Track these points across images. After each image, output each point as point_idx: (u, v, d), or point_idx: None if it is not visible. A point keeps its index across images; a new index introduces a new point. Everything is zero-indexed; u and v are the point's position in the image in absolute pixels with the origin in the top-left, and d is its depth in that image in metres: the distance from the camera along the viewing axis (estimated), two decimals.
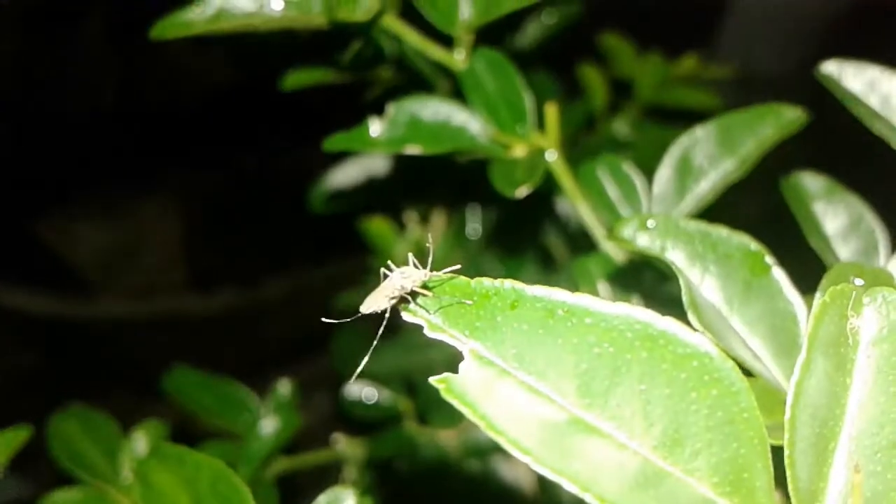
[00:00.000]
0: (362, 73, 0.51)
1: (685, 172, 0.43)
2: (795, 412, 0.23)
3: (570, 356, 0.23)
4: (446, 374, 0.23)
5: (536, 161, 0.42)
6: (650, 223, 0.34)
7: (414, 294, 0.26)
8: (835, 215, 0.44)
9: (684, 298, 0.31)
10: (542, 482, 0.57)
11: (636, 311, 0.23)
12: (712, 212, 0.42)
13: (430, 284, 0.26)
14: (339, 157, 0.64)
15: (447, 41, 0.45)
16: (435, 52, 0.45)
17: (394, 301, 0.27)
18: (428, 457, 0.60)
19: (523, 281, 0.25)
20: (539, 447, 0.22)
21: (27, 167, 1.31)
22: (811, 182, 0.44)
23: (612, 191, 0.44)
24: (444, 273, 0.26)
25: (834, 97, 0.43)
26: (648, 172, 0.45)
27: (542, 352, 0.24)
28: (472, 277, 0.25)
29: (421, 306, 0.25)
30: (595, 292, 0.45)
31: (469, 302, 0.24)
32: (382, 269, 0.28)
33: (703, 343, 0.23)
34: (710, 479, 0.23)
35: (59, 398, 0.57)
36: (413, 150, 0.41)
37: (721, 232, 0.33)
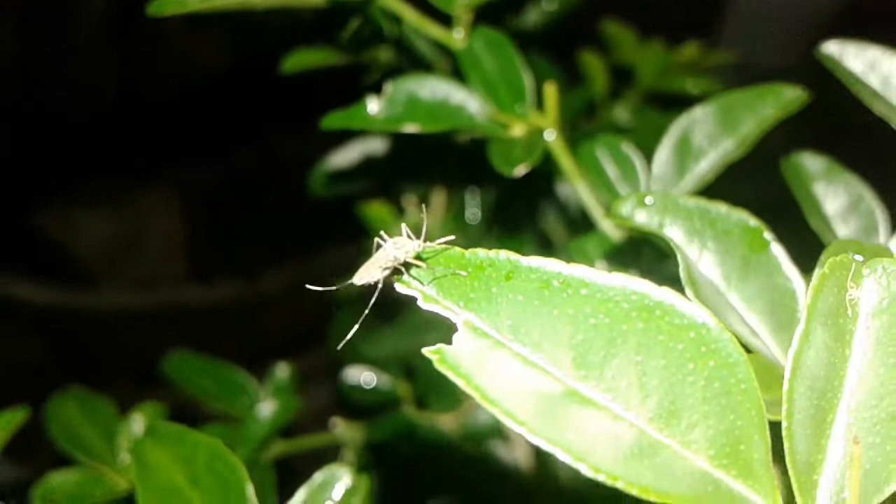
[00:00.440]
0: (361, 52, 0.51)
1: (685, 152, 0.42)
2: (794, 384, 0.23)
3: (566, 327, 0.23)
4: (440, 346, 0.23)
5: (535, 140, 0.42)
6: (648, 200, 0.34)
7: (407, 265, 0.25)
8: (835, 196, 0.44)
9: (682, 274, 0.31)
10: (540, 463, 0.56)
11: (632, 282, 0.23)
12: (714, 194, 0.42)
13: (424, 255, 0.25)
14: (339, 146, 0.63)
15: (446, 20, 0.45)
16: (433, 30, 0.45)
17: (387, 272, 0.27)
18: (426, 440, 0.60)
19: None
20: (534, 418, 0.22)
21: (30, 160, 1.31)
22: (811, 162, 0.44)
23: (611, 170, 0.44)
24: (439, 244, 0.26)
25: (835, 85, 0.43)
26: (648, 159, 0.45)
27: (538, 323, 0.23)
28: None
29: (415, 278, 0.25)
30: None
31: (463, 273, 0.24)
32: (376, 240, 0.27)
33: (699, 314, 0.22)
34: (706, 451, 0.23)
35: (60, 388, 0.57)
36: (411, 128, 0.41)
37: (720, 208, 0.33)
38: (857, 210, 0.44)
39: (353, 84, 0.57)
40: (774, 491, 0.23)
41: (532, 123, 0.43)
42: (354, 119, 0.42)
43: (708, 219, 0.32)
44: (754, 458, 0.23)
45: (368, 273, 0.27)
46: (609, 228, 0.43)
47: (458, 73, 0.46)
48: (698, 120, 0.43)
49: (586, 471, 0.21)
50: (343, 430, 0.62)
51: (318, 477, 0.38)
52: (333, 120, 0.42)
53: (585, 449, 0.22)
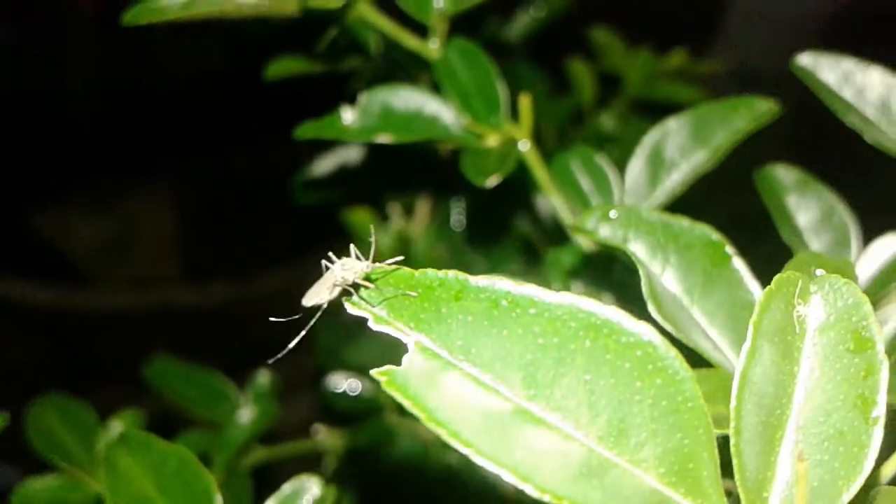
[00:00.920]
0: (339, 62, 0.51)
1: (657, 164, 0.42)
2: (741, 401, 0.23)
3: (516, 347, 0.23)
4: (388, 367, 0.23)
5: (508, 151, 0.42)
6: (612, 214, 0.34)
7: (356, 286, 0.25)
8: (807, 208, 0.44)
9: (644, 289, 0.31)
10: None
11: (579, 301, 0.23)
12: (691, 208, 0.42)
13: (374, 276, 0.25)
14: (323, 153, 0.64)
15: (422, 30, 0.45)
16: (409, 40, 0.45)
17: (336, 293, 0.27)
18: (407, 448, 0.60)
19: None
20: (482, 438, 0.22)
21: (23, 161, 1.31)
22: (784, 175, 0.44)
23: (584, 182, 0.44)
24: (387, 264, 0.26)
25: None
26: None
27: (488, 343, 0.23)
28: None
29: (364, 299, 0.25)
30: (567, 284, 0.45)
31: (413, 294, 0.24)
32: (324, 262, 0.27)
33: (646, 332, 0.23)
34: (656, 469, 0.23)
35: (51, 389, 0.57)
36: (384, 138, 0.41)
37: (682, 222, 0.33)
38: (830, 222, 0.44)
39: (346, 86, 0.57)
40: None
41: (506, 134, 0.43)
42: (328, 129, 0.42)
43: (671, 233, 0.33)
44: (703, 476, 0.23)
45: (317, 295, 0.27)
46: (583, 240, 0.43)
47: (436, 84, 0.46)
48: (671, 131, 0.43)
49: (532, 491, 0.21)
50: (325, 436, 0.62)
51: (287, 488, 0.38)
52: (307, 130, 0.42)
53: (533, 469, 0.22)
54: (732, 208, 0.51)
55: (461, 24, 0.47)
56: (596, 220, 0.34)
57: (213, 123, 1.31)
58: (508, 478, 0.21)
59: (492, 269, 0.60)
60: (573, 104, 0.77)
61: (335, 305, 0.68)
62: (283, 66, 0.54)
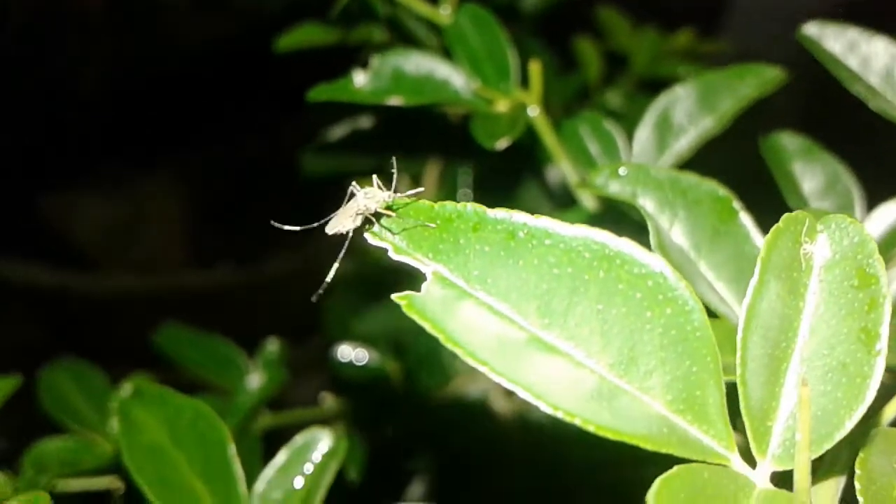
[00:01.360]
0: (352, 30, 0.51)
1: (665, 129, 0.43)
2: (747, 333, 0.24)
3: (531, 277, 0.24)
4: (408, 292, 0.24)
5: (518, 116, 0.42)
6: (622, 171, 0.34)
7: (378, 217, 0.26)
8: (812, 175, 0.45)
9: (652, 241, 0.32)
10: (525, 434, 0.57)
11: (593, 233, 0.24)
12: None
13: (395, 207, 0.26)
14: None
15: None
16: (421, 7, 0.45)
17: (358, 222, 0.27)
18: (413, 415, 0.61)
19: None
20: (497, 361, 0.23)
21: (29, 145, 1.32)
22: (790, 142, 0.45)
23: (592, 147, 0.45)
24: (409, 195, 0.27)
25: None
26: None
27: (504, 273, 0.24)
28: None
29: (385, 228, 0.25)
30: None
31: (432, 225, 0.25)
32: (350, 189, 0.28)
33: (657, 263, 0.23)
34: (664, 396, 0.23)
35: None
36: (395, 101, 0.42)
37: (690, 178, 0.33)
38: (835, 189, 0.45)
39: (357, 63, 0.58)
40: (729, 436, 0.24)
41: (516, 99, 0.44)
42: (341, 91, 0.43)
43: (679, 189, 0.33)
44: (710, 404, 0.23)
45: (340, 223, 0.28)
46: (589, 203, 0.44)
47: (448, 52, 0.47)
48: (679, 98, 0.44)
49: (545, 408, 0.22)
50: (332, 404, 0.62)
51: (299, 439, 0.39)
52: (320, 92, 0.43)
53: (546, 390, 0.23)
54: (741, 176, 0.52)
55: None
56: (605, 176, 0.35)
57: (221, 108, 1.32)
58: (522, 394, 0.22)
59: None
60: (580, 82, 0.78)
61: (344, 278, 0.69)
62: (294, 38, 0.55)
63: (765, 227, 0.35)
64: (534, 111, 0.44)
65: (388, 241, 0.25)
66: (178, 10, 1.20)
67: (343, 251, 0.29)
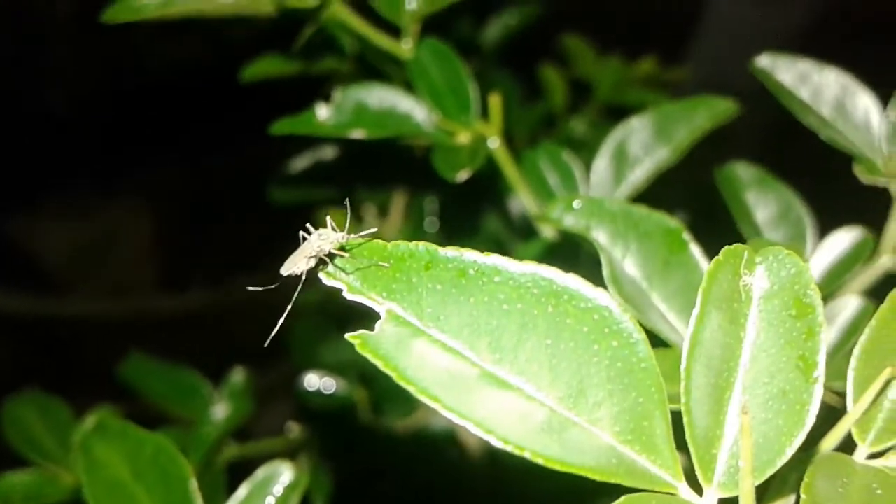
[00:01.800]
0: (315, 63, 0.52)
1: (621, 160, 0.44)
2: (691, 362, 0.24)
3: (482, 313, 0.25)
4: (362, 331, 0.24)
5: (478, 147, 0.43)
6: (576, 204, 0.35)
7: (332, 256, 0.27)
8: (766, 204, 0.46)
9: (605, 273, 0.33)
10: (493, 467, 0.58)
11: (541, 269, 0.24)
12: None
13: (348, 247, 0.27)
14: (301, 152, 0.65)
15: (395, 31, 0.47)
16: (382, 41, 0.46)
17: (312, 263, 0.28)
18: (380, 445, 0.61)
19: None
20: (449, 397, 0.23)
21: None
22: (744, 172, 0.46)
23: (551, 178, 0.46)
24: (362, 236, 0.27)
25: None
26: None
27: (456, 310, 0.25)
28: None
29: (339, 268, 0.26)
30: None
31: (386, 265, 0.25)
32: (301, 232, 0.29)
33: (602, 297, 0.24)
34: (612, 427, 0.24)
35: None
36: (358, 134, 0.43)
37: (641, 211, 0.34)
38: (787, 218, 0.46)
39: (324, 90, 0.59)
40: (676, 464, 0.24)
41: (476, 132, 0.44)
42: (304, 125, 0.43)
43: (631, 221, 0.34)
44: (656, 434, 0.24)
45: (294, 264, 0.28)
46: (549, 233, 0.45)
47: (411, 85, 0.48)
48: (635, 129, 0.45)
49: (495, 442, 0.23)
50: (298, 434, 0.62)
51: (260, 473, 0.39)
52: (283, 126, 0.43)
53: (496, 424, 0.23)
54: (695, 206, 0.53)
55: (433, 27, 0.49)
56: (561, 209, 0.36)
57: (190, 129, 1.32)
58: (473, 430, 0.22)
59: None
60: (545, 110, 0.79)
61: (311, 306, 0.69)
62: (260, 68, 0.56)
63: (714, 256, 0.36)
64: (494, 143, 0.45)
65: (343, 281, 0.26)
66: (145, 34, 1.21)
67: (298, 292, 0.29)
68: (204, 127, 1.30)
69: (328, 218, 0.29)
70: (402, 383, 0.23)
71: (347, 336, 0.24)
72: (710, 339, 0.24)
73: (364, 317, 0.26)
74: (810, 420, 0.24)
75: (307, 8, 0.42)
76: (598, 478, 0.23)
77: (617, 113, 0.83)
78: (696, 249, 0.34)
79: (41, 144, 1.35)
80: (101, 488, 0.38)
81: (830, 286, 0.42)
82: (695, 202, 0.52)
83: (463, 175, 0.41)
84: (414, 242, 0.25)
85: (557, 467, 0.23)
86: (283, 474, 0.38)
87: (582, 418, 0.24)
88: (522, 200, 0.46)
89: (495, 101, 0.46)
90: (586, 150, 0.74)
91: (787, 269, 0.25)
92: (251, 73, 0.55)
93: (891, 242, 0.42)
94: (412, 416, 0.63)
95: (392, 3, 0.44)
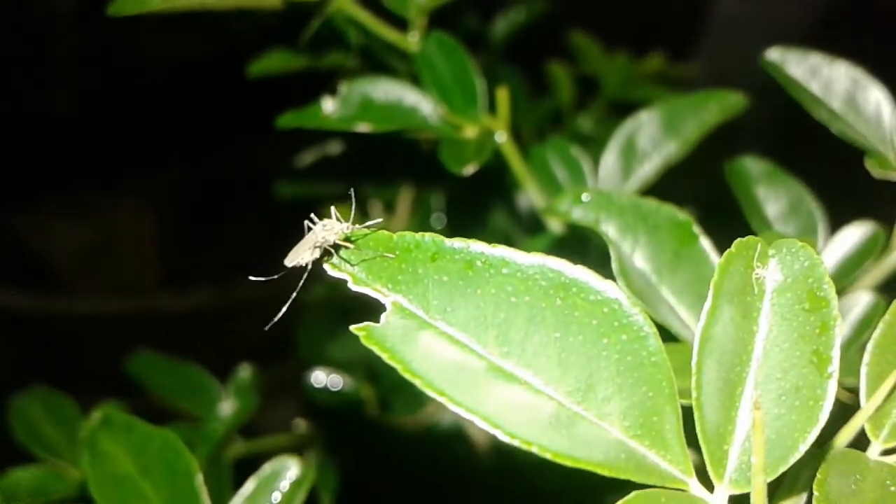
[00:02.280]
0: (323, 57, 0.52)
1: (630, 155, 0.44)
2: (702, 357, 0.24)
3: (489, 306, 0.24)
4: (367, 323, 0.24)
5: (485, 141, 0.43)
6: (585, 197, 0.35)
7: (337, 247, 0.26)
8: (776, 198, 0.45)
9: (614, 266, 0.32)
10: (501, 464, 0.57)
11: (550, 261, 0.24)
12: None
13: (353, 238, 0.26)
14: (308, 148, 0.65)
15: (402, 24, 0.46)
16: (389, 34, 0.46)
17: (317, 254, 0.27)
18: (388, 442, 0.60)
19: None
20: (456, 391, 0.23)
21: (2, 167, 1.31)
22: (753, 166, 0.46)
23: (560, 172, 0.45)
24: (367, 226, 0.27)
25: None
26: None
27: (463, 302, 0.24)
28: None
29: (344, 259, 0.26)
30: None
31: (391, 255, 0.25)
32: (306, 223, 0.28)
33: (612, 290, 0.24)
34: (621, 422, 0.24)
35: None
36: (364, 127, 0.42)
37: (651, 204, 0.34)
38: (798, 212, 0.46)
39: (328, 88, 0.58)
40: (686, 460, 0.24)
41: (483, 125, 0.44)
42: (310, 118, 0.43)
43: (640, 214, 0.34)
44: (666, 429, 0.24)
45: (298, 255, 0.28)
46: (557, 227, 0.44)
47: (417, 79, 0.47)
48: (644, 123, 0.44)
49: (502, 436, 0.22)
50: (305, 430, 0.62)
51: (267, 468, 0.39)
52: (289, 119, 0.43)
53: (504, 418, 0.23)
54: (703, 202, 0.53)
55: (439, 23, 0.48)
56: (569, 202, 0.35)
57: (193, 129, 1.32)
58: (480, 424, 0.22)
59: None
60: (552, 106, 0.79)
61: (317, 302, 0.69)
62: (266, 64, 0.55)
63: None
64: (501, 137, 0.45)
65: (348, 272, 0.25)
66: (148, 31, 1.21)
67: (302, 282, 0.29)
68: (207, 126, 1.30)
69: (332, 209, 0.28)
70: (408, 376, 0.23)
71: (353, 328, 0.24)
72: (722, 333, 0.24)
73: (371, 312, 0.25)
74: (824, 416, 0.24)
75: (313, 0, 0.42)
76: (607, 473, 0.23)
77: (624, 110, 0.82)
78: (706, 242, 0.33)
79: (45, 143, 1.35)
80: (106, 483, 0.38)
81: (841, 282, 0.41)
82: (703, 199, 0.52)
83: (470, 169, 0.41)
84: (420, 233, 0.25)
85: (566, 462, 0.23)
86: (290, 469, 0.38)
87: (591, 413, 0.24)
88: (530, 195, 0.45)
89: (502, 94, 0.45)
90: (593, 147, 0.74)
91: (800, 262, 0.25)
92: (258, 69, 0.55)
93: None
94: (419, 412, 0.63)
95: None
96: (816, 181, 0.48)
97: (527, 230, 0.59)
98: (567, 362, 0.24)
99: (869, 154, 0.41)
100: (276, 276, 0.30)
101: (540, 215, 0.46)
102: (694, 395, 0.24)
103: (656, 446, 0.24)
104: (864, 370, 0.27)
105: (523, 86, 0.76)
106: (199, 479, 0.37)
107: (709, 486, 0.24)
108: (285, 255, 0.30)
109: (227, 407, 0.56)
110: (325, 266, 0.26)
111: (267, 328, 0.29)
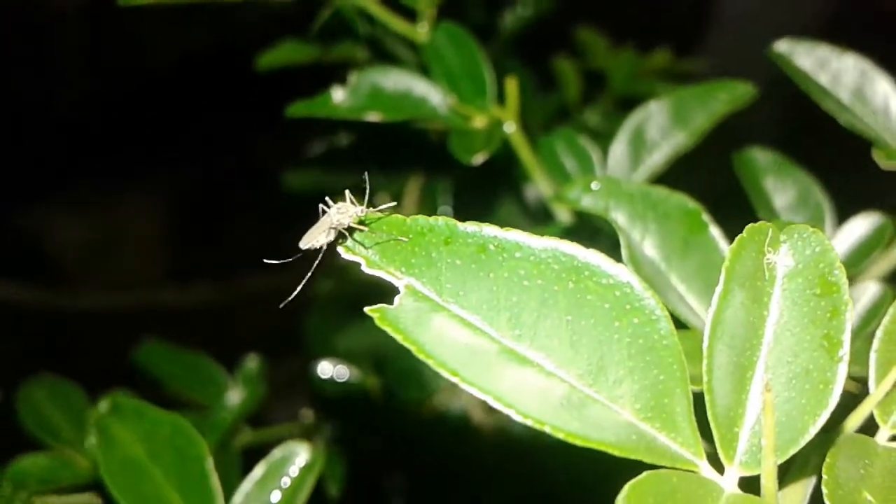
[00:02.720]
0: (332, 47, 0.52)
1: (639, 144, 0.44)
2: (713, 341, 0.24)
3: (502, 289, 0.25)
4: (381, 305, 0.24)
5: (494, 131, 0.43)
6: (594, 185, 0.35)
7: (351, 231, 0.26)
8: (784, 190, 0.46)
9: (623, 254, 0.32)
10: (504, 452, 0.58)
11: (562, 245, 0.24)
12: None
13: (367, 221, 0.26)
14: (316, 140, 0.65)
15: (411, 15, 0.47)
16: (398, 24, 0.46)
17: (331, 237, 0.28)
18: (393, 431, 0.61)
19: None
20: (468, 372, 0.23)
21: (7, 162, 1.32)
22: (761, 157, 0.46)
23: (568, 162, 0.46)
24: (381, 209, 0.27)
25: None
26: None
27: (476, 285, 0.25)
28: None
29: (358, 242, 0.26)
30: None
31: (405, 239, 0.25)
32: (321, 206, 0.29)
33: (624, 273, 0.24)
34: (632, 405, 0.24)
35: None
36: (373, 117, 0.43)
37: (660, 192, 0.34)
38: (806, 203, 0.46)
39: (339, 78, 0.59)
40: (697, 442, 0.24)
41: (492, 116, 0.44)
42: (320, 107, 0.43)
43: (649, 202, 0.34)
44: (677, 412, 0.24)
45: (313, 237, 0.28)
46: (565, 218, 0.44)
47: (426, 69, 0.48)
48: (653, 114, 0.45)
49: (515, 416, 0.22)
50: (312, 420, 0.62)
51: (276, 453, 0.39)
52: (299, 108, 0.43)
53: (516, 399, 0.23)
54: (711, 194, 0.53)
55: (448, 13, 0.49)
56: (579, 190, 0.36)
57: (198, 125, 1.32)
58: (493, 403, 0.22)
59: None
60: (559, 101, 0.79)
61: (325, 294, 0.69)
62: (276, 55, 0.55)
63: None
64: (510, 127, 0.45)
65: (361, 255, 0.25)
66: (153, 24, 1.21)
67: (316, 264, 0.29)
68: (211, 122, 1.31)
69: (347, 192, 0.28)
70: (422, 357, 0.23)
71: (366, 309, 0.24)
72: (733, 317, 0.24)
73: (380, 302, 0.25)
74: (834, 399, 0.24)
75: None
76: (617, 454, 0.23)
77: (630, 105, 0.82)
78: (715, 231, 0.34)
79: (51, 139, 1.35)
80: (116, 468, 0.38)
81: (849, 272, 0.41)
82: (711, 190, 0.52)
83: (479, 159, 0.41)
84: (433, 217, 0.25)
85: (577, 442, 0.23)
86: (300, 455, 0.38)
87: (602, 395, 0.24)
88: (539, 185, 0.46)
89: (511, 85, 0.45)
90: (600, 141, 0.74)
91: (811, 248, 0.25)
92: (267, 61, 0.55)
93: None
94: (425, 402, 0.63)
95: None
96: (824, 172, 0.48)
97: (536, 221, 0.59)
98: (579, 345, 0.24)
99: (876, 145, 0.41)
100: (290, 259, 0.30)
101: (549, 205, 0.46)
102: (705, 378, 0.24)
103: (667, 428, 0.24)
104: (873, 357, 0.27)
105: (530, 81, 0.76)
106: (210, 463, 0.37)
107: (719, 468, 0.24)
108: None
109: (234, 396, 0.56)
110: (339, 249, 0.26)
111: (282, 306, 0.29)
